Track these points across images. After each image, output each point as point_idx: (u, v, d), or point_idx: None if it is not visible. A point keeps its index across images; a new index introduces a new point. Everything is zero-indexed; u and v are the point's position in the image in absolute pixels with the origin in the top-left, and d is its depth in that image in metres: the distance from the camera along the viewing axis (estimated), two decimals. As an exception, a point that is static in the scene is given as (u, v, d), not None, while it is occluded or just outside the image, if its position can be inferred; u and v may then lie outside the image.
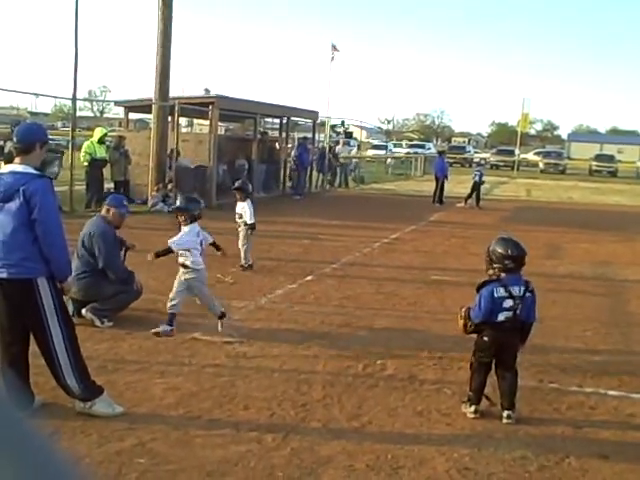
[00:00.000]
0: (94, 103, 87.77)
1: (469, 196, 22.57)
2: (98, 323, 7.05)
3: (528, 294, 5.24)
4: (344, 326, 7.67)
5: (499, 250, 5.24)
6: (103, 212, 7.54)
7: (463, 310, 5.41)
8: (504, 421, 5.17)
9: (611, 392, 6.01)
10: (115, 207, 7.59)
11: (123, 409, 5.04)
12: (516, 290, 5.20)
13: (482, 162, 30.44)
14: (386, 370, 6.30)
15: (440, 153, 26.66)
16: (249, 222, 10.34)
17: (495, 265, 5.27)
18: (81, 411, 4.94)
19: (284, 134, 25.04)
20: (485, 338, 5.31)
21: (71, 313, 6.84)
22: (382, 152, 50.80)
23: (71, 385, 4.89)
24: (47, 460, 0.57)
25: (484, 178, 23.08)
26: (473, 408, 5.28)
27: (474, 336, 5.45)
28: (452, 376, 6.20)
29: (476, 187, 22.46)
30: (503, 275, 5.23)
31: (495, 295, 5.16)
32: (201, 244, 7.19)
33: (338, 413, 5.26)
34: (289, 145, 25.42)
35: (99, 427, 4.75)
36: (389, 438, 4.89)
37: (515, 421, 5.17)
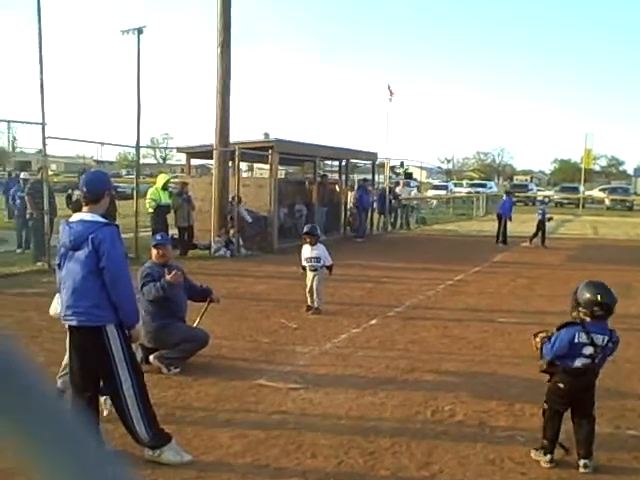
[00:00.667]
0: (157, 150, 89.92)
1: (534, 235, 22.25)
2: (165, 370, 7.10)
3: (610, 344, 5.04)
4: (410, 371, 7.56)
5: (588, 295, 4.99)
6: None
7: (538, 338, 5.21)
8: (581, 470, 4.95)
9: (694, 439, 5.74)
10: (155, 242, 7.82)
11: (191, 457, 5.03)
12: (599, 339, 4.97)
13: (545, 200, 30.00)
14: (455, 416, 6.16)
15: (508, 193, 26.25)
16: (328, 264, 10.55)
17: (582, 310, 5.02)
18: (150, 459, 4.94)
19: (343, 176, 25.17)
20: (560, 385, 5.09)
21: (139, 360, 6.94)
22: (443, 192, 50.58)
23: (140, 433, 4.91)
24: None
25: (548, 215, 22.69)
26: (548, 457, 5.07)
27: (545, 377, 5.28)
28: (524, 423, 6.02)
29: (541, 226, 22.14)
30: (588, 320, 5.00)
31: (575, 340, 4.96)
32: None
33: (407, 461, 5.15)
34: (349, 187, 25.52)
35: (168, 475, 4.75)
36: (461, 488, 4.75)
37: (593, 470, 4.97)
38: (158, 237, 8.17)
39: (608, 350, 5.06)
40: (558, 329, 5.10)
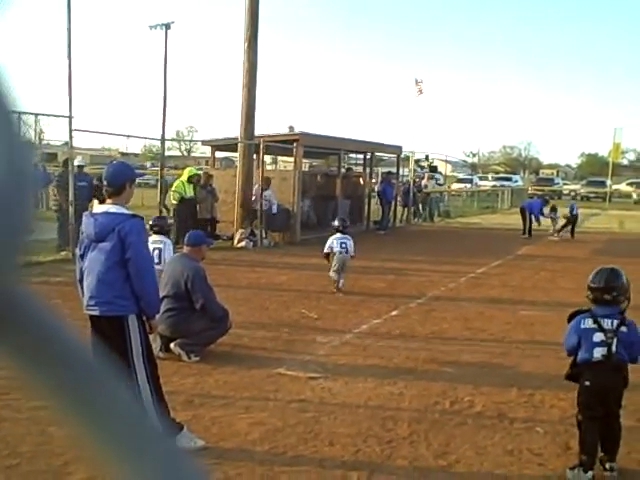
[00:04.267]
0: (182, 143, 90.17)
1: (563, 227, 22.29)
2: (185, 358, 7.15)
3: (623, 328, 4.78)
4: (430, 362, 7.54)
5: (589, 279, 4.97)
6: (187, 250, 7.67)
7: None
8: (606, 474, 4.75)
9: None
10: (204, 243, 7.84)
11: (204, 442, 5.06)
12: (607, 323, 4.78)
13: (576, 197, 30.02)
14: (474, 407, 6.14)
15: (543, 198, 26.03)
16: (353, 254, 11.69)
17: (587, 294, 4.98)
18: None
19: (368, 169, 25.13)
20: (587, 383, 4.81)
21: (158, 348, 7.01)
22: (467, 185, 50.31)
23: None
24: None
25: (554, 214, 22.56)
26: (590, 474, 4.62)
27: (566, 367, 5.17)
28: (544, 414, 5.98)
29: (571, 219, 22.21)
30: (594, 306, 4.90)
31: (582, 326, 4.83)
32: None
33: (425, 451, 5.15)
34: (373, 180, 25.46)
35: (186, 462, 4.77)
36: (478, 478, 4.74)
37: (618, 474, 4.76)
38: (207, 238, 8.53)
39: (624, 335, 4.79)
40: (569, 320, 5.01)
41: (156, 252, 9.14)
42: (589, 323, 4.84)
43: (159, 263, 8.70)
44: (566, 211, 23.09)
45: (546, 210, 22.79)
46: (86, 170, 17.28)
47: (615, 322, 4.81)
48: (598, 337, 4.79)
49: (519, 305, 10.94)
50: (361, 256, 13.63)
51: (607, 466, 4.79)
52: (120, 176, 5.09)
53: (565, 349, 5.03)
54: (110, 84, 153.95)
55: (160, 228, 9.55)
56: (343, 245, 11.48)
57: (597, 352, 4.78)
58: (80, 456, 4.71)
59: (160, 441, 0.53)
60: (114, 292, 4.85)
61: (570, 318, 5.03)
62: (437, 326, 9.30)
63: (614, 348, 4.76)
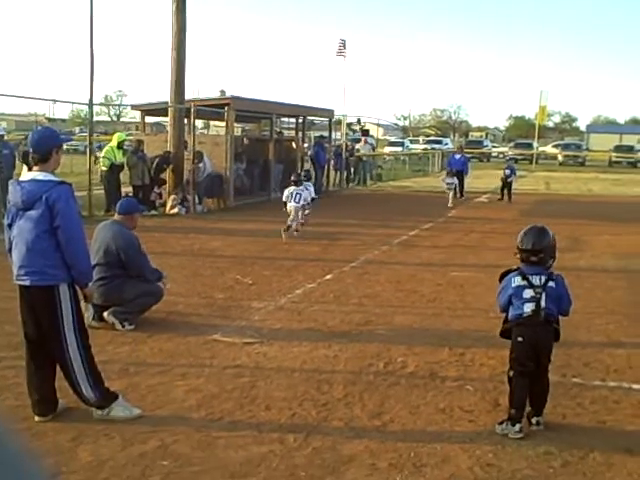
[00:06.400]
0: (110, 108, 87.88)
1: (502, 190, 22.98)
2: (119, 327, 7.08)
3: (551, 283, 4.97)
4: (364, 324, 7.66)
5: (518, 239, 5.10)
6: (119, 218, 7.52)
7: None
8: (533, 428, 4.94)
9: (635, 386, 5.94)
10: (137, 211, 7.75)
11: (140, 411, 5.05)
12: (535, 279, 4.95)
13: (515, 158, 30.79)
14: (407, 368, 6.28)
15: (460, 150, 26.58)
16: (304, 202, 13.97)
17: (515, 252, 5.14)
18: (99, 418, 4.95)
19: (300, 133, 25.05)
20: (519, 338, 4.98)
21: (91, 317, 6.93)
22: (399, 149, 50.67)
23: (86, 394, 4.90)
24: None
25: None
26: (517, 427, 4.81)
27: (497, 331, 5.34)
28: (474, 373, 6.17)
29: (506, 182, 22.81)
30: (523, 265, 5.06)
31: (513, 284, 4.98)
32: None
33: (360, 412, 5.25)
34: (305, 144, 25.42)
35: (122, 430, 4.77)
36: (411, 436, 4.86)
37: (543, 427, 4.97)
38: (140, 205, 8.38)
39: (552, 291, 4.97)
40: (500, 280, 5.18)
41: (297, 195, 13.40)
42: (519, 280, 5.00)
43: (299, 202, 13.45)
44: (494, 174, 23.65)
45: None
46: (8, 137, 16.74)
47: (543, 278, 4.99)
48: (528, 293, 4.96)
49: (450, 267, 11.17)
50: (295, 221, 13.65)
51: (533, 420, 4.99)
52: (47, 142, 4.95)
53: (498, 306, 5.20)
54: (35, 46, 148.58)
55: (298, 181, 13.94)
56: (297, 198, 13.64)
57: (527, 307, 4.96)
58: None
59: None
60: (44, 261, 4.76)
61: (501, 278, 5.19)
62: (370, 289, 9.43)
63: (543, 303, 4.94)
